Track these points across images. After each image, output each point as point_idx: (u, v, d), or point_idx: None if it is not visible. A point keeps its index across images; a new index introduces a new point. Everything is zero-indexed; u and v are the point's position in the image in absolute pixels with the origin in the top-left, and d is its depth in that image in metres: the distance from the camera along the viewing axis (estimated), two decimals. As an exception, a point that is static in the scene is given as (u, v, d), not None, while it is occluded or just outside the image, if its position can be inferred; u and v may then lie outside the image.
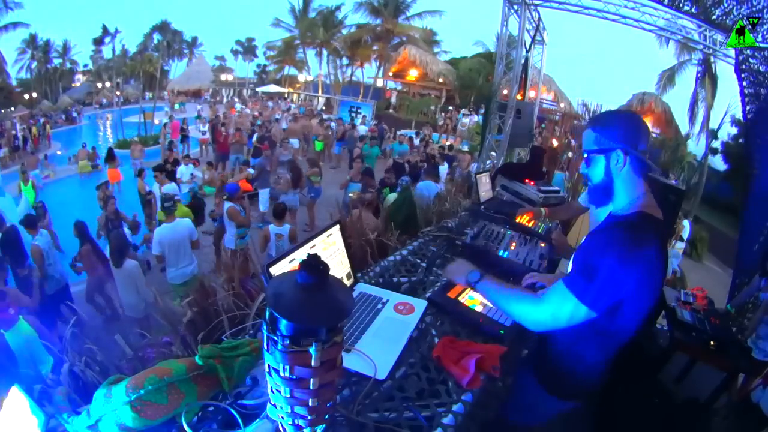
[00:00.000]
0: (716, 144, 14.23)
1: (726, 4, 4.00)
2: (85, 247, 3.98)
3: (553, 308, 0.98)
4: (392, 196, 4.22)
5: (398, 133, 13.70)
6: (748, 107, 4.42)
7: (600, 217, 1.17)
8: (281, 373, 0.63)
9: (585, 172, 1.11)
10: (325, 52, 24.10)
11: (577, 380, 1.15)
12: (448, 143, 12.92)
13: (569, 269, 1.06)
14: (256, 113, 16.16)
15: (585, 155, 1.09)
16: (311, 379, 0.63)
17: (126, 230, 5.17)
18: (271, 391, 0.68)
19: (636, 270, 0.93)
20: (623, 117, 1.09)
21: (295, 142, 11.06)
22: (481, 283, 1.17)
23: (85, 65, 27.63)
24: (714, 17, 4.30)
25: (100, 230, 5.11)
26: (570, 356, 1.13)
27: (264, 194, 6.77)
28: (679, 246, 6.53)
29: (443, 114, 19.06)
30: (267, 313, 0.62)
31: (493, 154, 5.94)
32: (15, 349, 1.96)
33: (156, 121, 15.33)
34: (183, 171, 7.35)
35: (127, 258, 3.60)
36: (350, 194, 5.45)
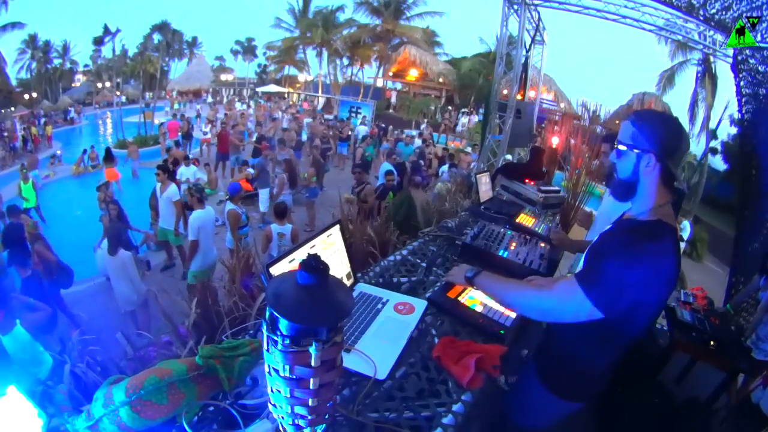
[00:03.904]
0: (716, 144, 14.26)
1: (725, 3, 3.99)
2: None
3: (560, 299, 0.98)
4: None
5: (405, 133, 13.16)
6: (746, 107, 4.42)
7: (612, 214, 1.14)
8: (281, 373, 0.63)
9: (614, 161, 1.07)
10: (325, 53, 24.10)
11: (583, 381, 1.15)
12: (456, 145, 12.80)
13: (580, 265, 1.05)
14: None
15: (618, 145, 1.04)
16: (311, 379, 0.63)
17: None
18: (271, 391, 0.68)
19: (652, 281, 0.91)
20: (668, 122, 1.00)
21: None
22: (478, 277, 1.18)
23: (85, 65, 27.71)
24: (714, 11, 4.27)
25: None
26: (575, 357, 1.13)
27: (264, 194, 6.77)
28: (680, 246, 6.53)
29: (443, 114, 19.06)
30: (267, 313, 0.62)
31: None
32: (13, 354, 1.94)
33: (156, 121, 15.29)
34: (183, 172, 7.32)
35: (121, 248, 3.70)
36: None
